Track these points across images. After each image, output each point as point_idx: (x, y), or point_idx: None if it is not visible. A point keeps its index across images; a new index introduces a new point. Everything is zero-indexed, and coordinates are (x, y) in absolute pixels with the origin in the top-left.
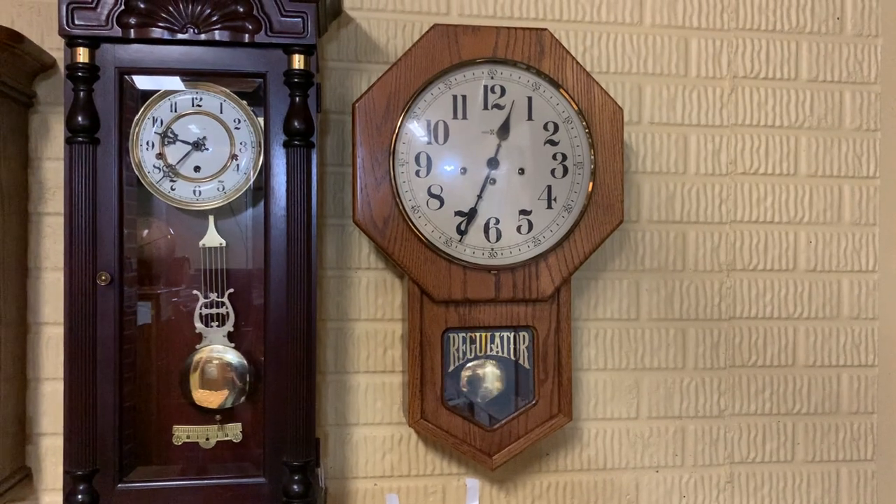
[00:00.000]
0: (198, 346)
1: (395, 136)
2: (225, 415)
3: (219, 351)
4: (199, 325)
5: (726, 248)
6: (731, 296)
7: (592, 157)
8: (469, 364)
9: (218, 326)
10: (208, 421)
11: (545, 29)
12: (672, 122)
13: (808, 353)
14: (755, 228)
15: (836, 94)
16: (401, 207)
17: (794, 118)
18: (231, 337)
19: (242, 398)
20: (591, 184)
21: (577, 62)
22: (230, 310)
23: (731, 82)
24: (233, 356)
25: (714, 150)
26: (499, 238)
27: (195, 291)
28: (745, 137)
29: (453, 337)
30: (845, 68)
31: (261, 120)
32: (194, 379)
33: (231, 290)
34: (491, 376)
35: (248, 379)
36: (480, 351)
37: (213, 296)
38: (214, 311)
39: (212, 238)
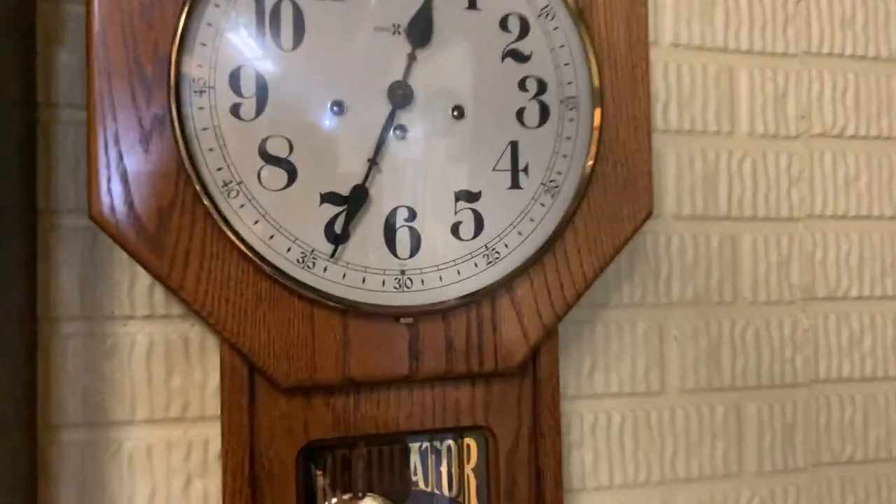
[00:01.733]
0: None
1: (179, 31)
2: None
3: None
4: None
5: (801, 262)
6: (812, 344)
7: (597, 84)
8: None
9: None
10: None
11: None
12: (709, 45)
13: None
14: (844, 228)
15: None
16: (198, 186)
17: (895, 44)
18: None
19: None
20: (594, 137)
21: None
22: None
23: None
24: None
25: (776, 96)
26: (415, 249)
27: None
28: (824, 75)
29: (325, 459)
30: None
31: None
32: None
33: None
34: None
35: None
36: (382, 482)
37: None
38: None
39: None
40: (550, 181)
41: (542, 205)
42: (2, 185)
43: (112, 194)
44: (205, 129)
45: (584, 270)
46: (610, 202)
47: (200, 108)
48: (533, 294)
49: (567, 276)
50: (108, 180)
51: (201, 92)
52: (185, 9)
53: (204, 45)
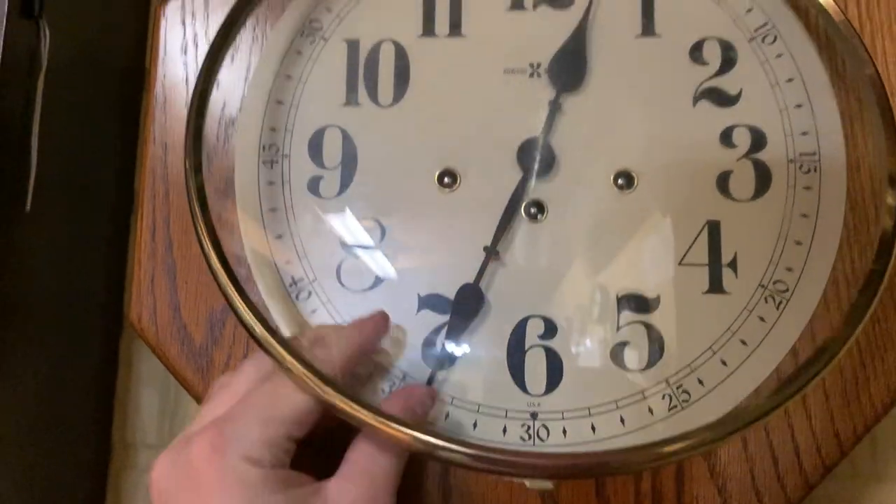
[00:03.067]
0: None
1: (246, 83)
2: None
3: None
4: None
5: None
6: None
7: (855, 132)
8: None
9: None
10: None
11: None
12: None
13: None
14: None
15: None
16: (258, 284)
17: None
18: None
19: None
20: (853, 216)
21: None
22: None
23: None
24: None
25: None
26: (555, 382)
27: None
28: None
29: None
30: None
31: None
32: None
33: None
34: None
35: None
36: None
37: None
38: None
39: None
40: (775, 283)
41: (762, 319)
42: (87, 280)
43: (155, 294)
44: (273, 209)
45: (836, 429)
46: (880, 320)
47: (270, 184)
48: (747, 463)
49: (807, 438)
50: (153, 276)
51: (272, 163)
52: (259, 57)
53: (280, 102)
